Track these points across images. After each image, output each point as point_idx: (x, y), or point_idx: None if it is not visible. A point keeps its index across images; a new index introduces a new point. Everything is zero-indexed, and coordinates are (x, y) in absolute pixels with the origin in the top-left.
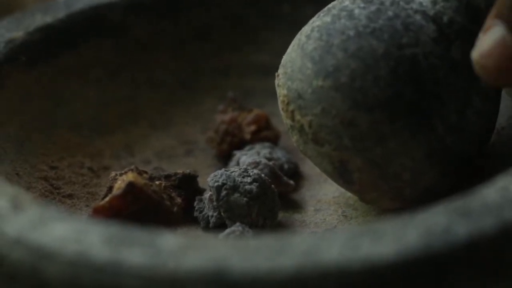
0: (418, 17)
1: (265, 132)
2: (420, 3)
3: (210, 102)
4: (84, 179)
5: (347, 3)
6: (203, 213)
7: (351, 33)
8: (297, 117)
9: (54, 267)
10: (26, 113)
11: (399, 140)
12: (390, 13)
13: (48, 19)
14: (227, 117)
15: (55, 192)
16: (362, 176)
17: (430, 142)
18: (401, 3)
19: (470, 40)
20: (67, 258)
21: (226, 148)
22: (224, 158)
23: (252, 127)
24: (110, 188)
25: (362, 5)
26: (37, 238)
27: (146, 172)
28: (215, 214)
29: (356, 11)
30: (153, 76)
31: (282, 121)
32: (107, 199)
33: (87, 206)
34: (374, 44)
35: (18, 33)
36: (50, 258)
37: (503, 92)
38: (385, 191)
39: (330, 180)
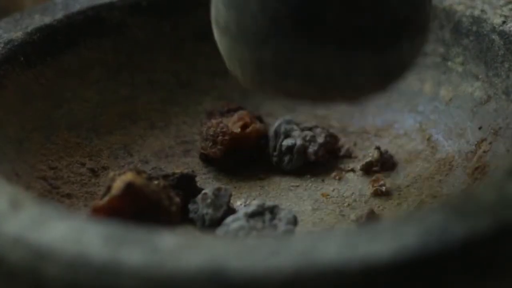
0: None
1: (256, 125)
2: None
3: (208, 102)
4: (82, 179)
5: None
6: (198, 212)
7: None
8: None
9: (53, 267)
10: (25, 113)
11: None
12: None
13: (47, 19)
14: (212, 123)
15: (54, 192)
16: None
17: None
18: None
19: None
20: (66, 257)
21: (220, 150)
22: (221, 162)
23: (239, 123)
24: (109, 188)
25: None
26: (36, 237)
27: (144, 172)
28: (209, 211)
29: None
30: (152, 77)
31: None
32: (106, 199)
33: (85, 205)
34: None
35: (16, 34)
36: (49, 258)
37: (500, 92)
38: None
39: (328, 179)
